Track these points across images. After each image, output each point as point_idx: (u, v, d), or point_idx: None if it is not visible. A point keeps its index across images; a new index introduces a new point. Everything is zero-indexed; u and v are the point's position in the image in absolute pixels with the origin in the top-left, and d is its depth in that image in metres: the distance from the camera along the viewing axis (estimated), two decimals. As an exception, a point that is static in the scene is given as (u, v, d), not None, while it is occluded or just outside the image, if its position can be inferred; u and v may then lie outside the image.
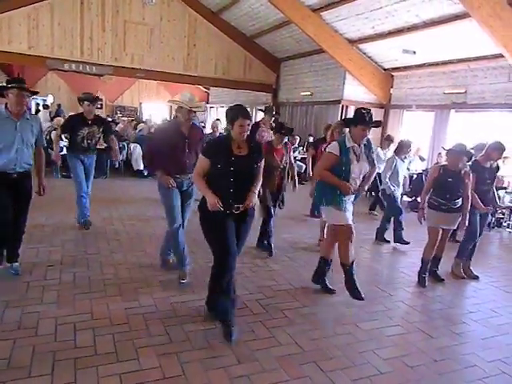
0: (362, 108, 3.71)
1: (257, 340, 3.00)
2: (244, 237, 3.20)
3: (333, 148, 3.63)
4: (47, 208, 5.91)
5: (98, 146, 5.42)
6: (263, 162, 3.16)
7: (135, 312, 3.26)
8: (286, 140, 4.91)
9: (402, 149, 5.87)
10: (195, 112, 3.81)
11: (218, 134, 9.17)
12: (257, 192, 3.08)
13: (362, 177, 3.71)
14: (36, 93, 3.92)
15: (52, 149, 8.55)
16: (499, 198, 7.47)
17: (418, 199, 8.81)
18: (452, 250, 4.89)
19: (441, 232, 4.36)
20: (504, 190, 7.59)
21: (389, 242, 5.87)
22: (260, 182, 3.15)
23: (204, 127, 13.84)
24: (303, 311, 3.53)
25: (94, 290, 3.60)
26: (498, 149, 4.55)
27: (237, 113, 2.92)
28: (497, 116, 8.75)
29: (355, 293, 3.70)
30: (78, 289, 3.61)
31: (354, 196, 3.75)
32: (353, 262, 3.73)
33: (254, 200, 3.05)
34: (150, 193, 8.02)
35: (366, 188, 3.85)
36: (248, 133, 3.01)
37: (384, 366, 2.81)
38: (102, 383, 2.40)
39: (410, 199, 9.01)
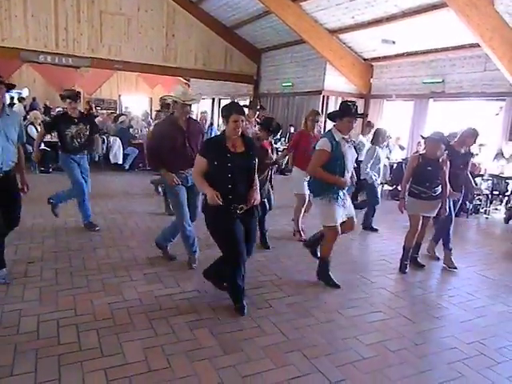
0: (348, 100, 3.76)
1: (242, 330, 3.03)
2: (254, 235, 3.31)
3: (323, 145, 3.63)
4: (26, 204, 5.78)
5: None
6: (257, 158, 3.22)
7: (119, 306, 3.25)
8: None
9: (379, 137, 5.92)
10: (190, 105, 3.81)
11: (206, 126, 9.13)
12: (258, 189, 3.13)
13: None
14: (13, 86, 3.71)
15: (29, 143, 8.38)
16: (476, 184, 7.67)
17: (399, 188, 9.00)
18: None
19: (421, 219, 4.43)
20: (481, 178, 7.79)
21: (377, 230, 5.95)
22: (257, 179, 3.20)
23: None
24: (287, 301, 3.58)
25: (77, 286, 3.56)
26: (473, 135, 4.67)
27: (230, 109, 2.98)
28: (474, 104, 8.94)
29: (330, 282, 3.89)
30: (61, 285, 3.56)
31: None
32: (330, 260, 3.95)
33: (258, 197, 3.09)
34: (130, 187, 7.96)
35: (351, 179, 3.97)
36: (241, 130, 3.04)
37: (366, 352, 2.88)
38: (86, 379, 2.39)
39: (390, 188, 9.16)
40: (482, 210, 7.82)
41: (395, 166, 8.99)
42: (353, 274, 4.28)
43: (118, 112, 15.76)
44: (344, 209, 3.80)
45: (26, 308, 3.13)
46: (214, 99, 17.24)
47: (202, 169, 3.03)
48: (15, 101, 14.44)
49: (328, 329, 3.15)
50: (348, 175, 3.75)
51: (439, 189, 4.34)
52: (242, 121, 2.99)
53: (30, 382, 2.34)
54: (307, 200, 5.14)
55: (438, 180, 4.31)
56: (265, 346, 2.85)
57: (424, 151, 4.45)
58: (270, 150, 4.69)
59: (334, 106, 11.19)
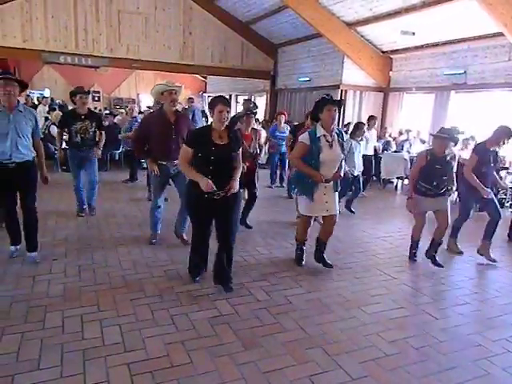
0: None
1: (262, 326, 3.03)
2: (231, 222, 3.41)
3: (303, 137, 3.84)
4: (48, 202, 5.92)
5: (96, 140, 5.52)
6: (241, 149, 3.38)
7: (141, 302, 3.29)
8: (255, 127, 5.16)
9: (356, 131, 6.27)
10: (176, 93, 4.03)
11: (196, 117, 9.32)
12: (238, 179, 3.27)
13: (337, 165, 3.88)
14: (25, 84, 3.79)
15: (52, 143, 8.57)
16: (501, 178, 7.45)
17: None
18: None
19: (427, 215, 4.43)
20: (506, 171, 7.57)
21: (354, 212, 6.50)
22: (240, 169, 3.37)
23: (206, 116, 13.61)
24: (307, 297, 3.56)
25: (100, 282, 3.63)
26: (507, 133, 4.49)
27: (217, 100, 3.17)
28: (497, 96, 8.68)
29: (297, 261, 4.26)
30: (84, 281, 3.63)
31: (334, 184, 3.93)
32: (305, 241, 4.27)
33: (236, 186, 3.24)
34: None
35: (342, 174, 4.02)
36: (227, 122, 3.23)
37: (389, 348, 2.84)
38: (110, 373, 2.43)
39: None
40: (506, 204, 7.61)
41: (415, 159, 8.82)
42: (374, 270, 4.23)
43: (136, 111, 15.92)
44: (324, 204, 3.93)
45: (51, 304, 3.20)
46: (230, 96, 17.24)
47: (187, 158, 3.21)
48: (38, 101, 14.73)
49: (349, 325, 3.12)
50: (328, 171, 3.80)
51: (445, 185, 4.32)
52: (228, 112, 3.16)
53: (56, 375, 2.40)
54: None
55: (445, 177, 4.27)
56: (285, 342, 2.85)
57: (430, 147, 4.43)
58: (252, 141, 4.90)
59: (352, 100, 11.08)
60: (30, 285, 3.50)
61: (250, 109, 4.96)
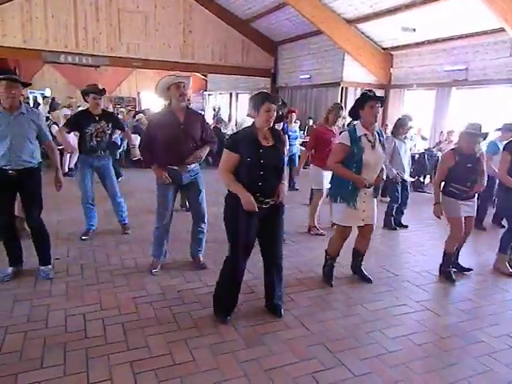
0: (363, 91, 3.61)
1: (264, 324, 3.03)
2: (278, 234, 3.07)
3: (343, 138, 3.49)
4: (50, 199, 5.93)
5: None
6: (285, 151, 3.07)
7: (143, 301, 3.30)
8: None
9: (399, 128, 5.52)
10: (184, 86, 3.51)
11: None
12: (287, 184, 2.98)
13: (379, 168, 3.56)
14: (28, 84, 3.63)
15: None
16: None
17: (421, 179, 8.82)
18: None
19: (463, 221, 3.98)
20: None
21: (396, 228, 5.67)
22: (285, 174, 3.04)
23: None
24: (309, 294, 3.56)
25: (102, 281, 3.64)
26: None
27: (262, 97, 2.77)
28: (499, 91, 8.66)
29: (327, 279, 3.82)
30: (86, 280, 3.65)
31: (373, 189, 3.60)
32: (337, 256, 3.86)
33: (286, 191, 2.94)
34: (152, 184, 8.01)
35: (385, 177, 3.67)
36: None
37: (391, 345, 2.84)
38: (113, 371, 2.44)
39: (412, 179, 8.98)
40: None
41: (417, 156, 8.82)
42: (376, 267, 4.23)
43: (137, 109, 15.95)
44: (361, 213, 3.58)
45: (54, 302, 3.21)
46: (231, 94, 17.22)
47: (232, 166, 2.80)
48: (40, 101, 14.75)
49: (352, 322, 3.13)
50: (371, 175, 3.48)
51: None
52: (275, 110, 2.77)
53: (59, 374, 2.41)
54: (325, 195, 5.00)
55: (478, 176, 3.91)
56: (287, 339, 2.85)
57: (457, 146, 4.02)
58: None
59: (353, 97, 11.02)
60: (32, 284, 3.51)
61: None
